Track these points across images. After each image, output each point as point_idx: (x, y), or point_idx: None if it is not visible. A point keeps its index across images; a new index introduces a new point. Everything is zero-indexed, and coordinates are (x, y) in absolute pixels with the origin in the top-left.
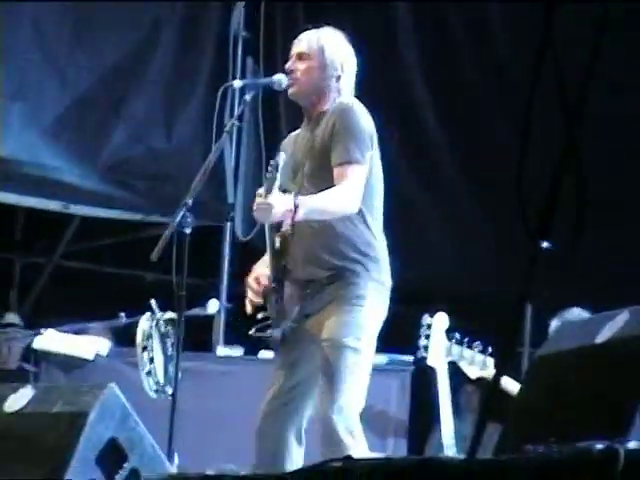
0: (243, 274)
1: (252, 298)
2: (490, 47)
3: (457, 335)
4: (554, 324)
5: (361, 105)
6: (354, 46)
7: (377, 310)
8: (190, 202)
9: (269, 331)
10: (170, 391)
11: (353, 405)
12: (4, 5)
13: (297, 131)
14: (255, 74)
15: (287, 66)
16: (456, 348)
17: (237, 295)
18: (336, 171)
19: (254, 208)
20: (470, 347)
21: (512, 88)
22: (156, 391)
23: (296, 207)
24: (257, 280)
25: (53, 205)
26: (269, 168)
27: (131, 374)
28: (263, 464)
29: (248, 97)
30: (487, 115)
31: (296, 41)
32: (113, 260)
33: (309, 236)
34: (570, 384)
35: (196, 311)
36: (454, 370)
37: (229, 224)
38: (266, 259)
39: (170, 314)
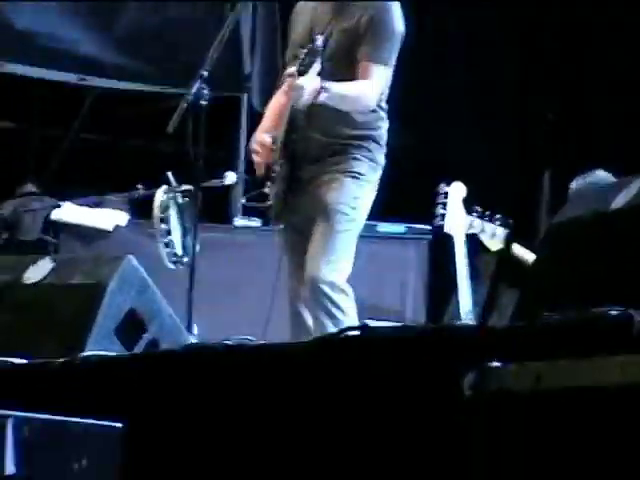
0: None
1: (260, 159)
2: None
3: (478, 208)
4: (574, 185)
5: (398, 5)
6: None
7: (372, 188)
8: (206, 73)
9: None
10: (188, 262)
11: (341, 267)
12: None
13: (311, 2)
14: None
15: None
16: (477, 221)
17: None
18: (363, 65)
19: (288, 89)
20: (491, 220)
21: None
22: (174, 262)
23: (322, 89)
24: (261, 143)
25: (69, 77)
26: (306, 50)
27: (150, 245)
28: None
29: None
30: None
31: None
32: (130, 132)
33: (315, 115)
34: (585, 251)
35: (213, 182)
36: (474, 240)
37: (246, 95)
38: (265, 126)
39: (187, 186)
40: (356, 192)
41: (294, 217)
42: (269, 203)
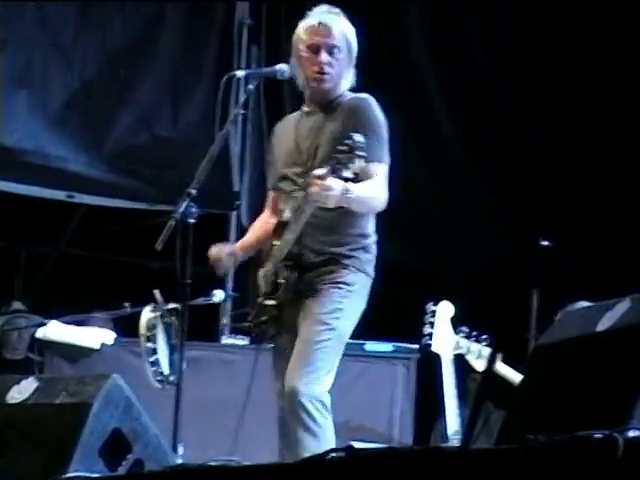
0: (249, 263)
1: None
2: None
3: (464, 328)
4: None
5: (374, 99)
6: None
7: (361, 301)
8: (194, 192)
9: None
10: (174, 381)
11: (322, 380)
12: None
13: (292, 116)
14: (260, 63)
15: (320, 59)
16: (463, 342)
17: (243, 284)
18: (366, 167)
19: (314, 189)
20: (477, 340)
21: (515, 64)
22: (160, 381)
23: (346, 191)
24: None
25: (57, 194)
26: (343, 148)
27: (136, 364)
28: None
29: (252, 86)
30: (494, 95)
31: (320, 29)
32: (118, 248)
33: (317, 221)
34: (571, 373)
35: (201, 300)
36: (461, 360)
37: (235, 212)
38: (245, 238)
39: (174, 304)
40: (340, 302)
41: (286, 334)
42: (261, 319)
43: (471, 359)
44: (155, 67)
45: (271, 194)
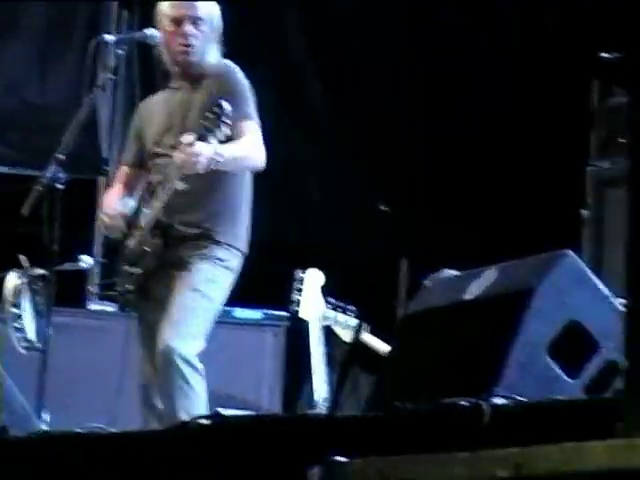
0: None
1: (111, 221)
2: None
3: (332, 300)
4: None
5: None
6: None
7: (232, 274)
8: (61, 157)
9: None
10: (40, 347)
11: (194, 343)
12: None
13: (160, 94)
14: (131, 27)
15: (185, 31)
16: (331, 313)
17: (111, 249)
18: (236, 126)
19: (181, 156)
20: (345, 312)
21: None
22: (26, 347)
23: (217, 155)
24: (110, 200)
25: None
26: (209, 115)
27: (3, 330)
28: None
29: (121, 51)
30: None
31: (183, 2)
32: None
33: (190, 196)
34: (438, 341)
35: (68, 266)
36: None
37: (102, 178)
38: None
39: (40, 269)
40: (213, 274)
41: (151, 302)
42: (126, 288)
43: (338, 330)
44: (22, 32)
45: (125, 169)
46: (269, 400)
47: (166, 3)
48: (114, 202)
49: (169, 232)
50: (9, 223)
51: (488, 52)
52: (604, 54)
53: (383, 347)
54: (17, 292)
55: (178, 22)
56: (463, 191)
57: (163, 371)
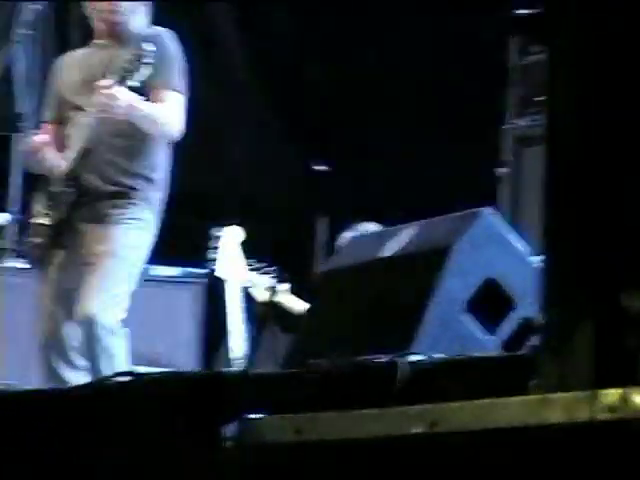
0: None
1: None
2: None
3: (251, 261)
4: (344, 237)
5: (169, 32)
6: None
7: (149, 235)
8: None
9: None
10: None
11: (115, 310)
12: None
13: (81, 50)
14: None
15: None
16: (250, 274)
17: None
18: (155, 92)
19: (99, 98)
20: (265, 273)
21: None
22: None
23: (134, 103)
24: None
25: None
26: (130, 57)
27: None
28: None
29: (39, 6)
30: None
31: None
32: None
33: (107, 148)
34: (356, 299)
35: None
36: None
37: (18, 134)
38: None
39: None
40: (132, 237)
41: (60, 256)
42: (36, 240)
43: (256, 291)
44: None
45: (48, 127)
46: (186, 358)
47: None
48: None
49: (85, 185)
50: None
51: (408, 8)
52: (522, 10)
53: (301, 307)
54: None
55: None
56: (382, 148)
57: (85, 340)
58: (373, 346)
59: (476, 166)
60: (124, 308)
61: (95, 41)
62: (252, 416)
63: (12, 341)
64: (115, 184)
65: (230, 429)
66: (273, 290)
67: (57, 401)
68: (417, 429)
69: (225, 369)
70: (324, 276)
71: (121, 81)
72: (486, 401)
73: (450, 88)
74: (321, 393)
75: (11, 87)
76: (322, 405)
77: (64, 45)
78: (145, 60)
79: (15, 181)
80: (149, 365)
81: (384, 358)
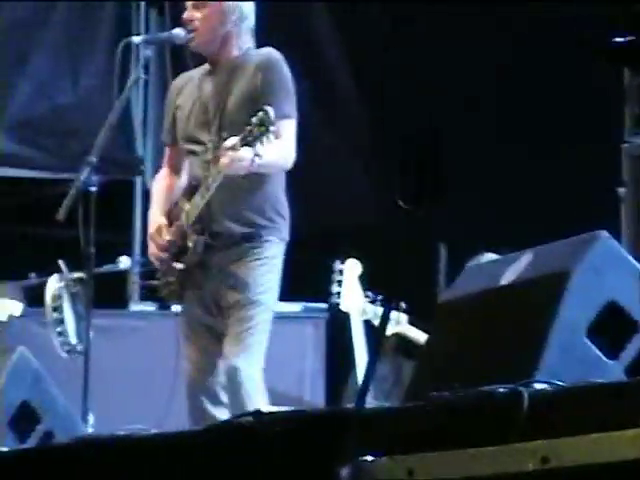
0: None
1: (158, 252)
2: None
3: (370, 294)
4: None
5: (280, 54)
6: None
7: (279, 270)
8: (94, 160)
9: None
10: (82, 350)
11: (257, 357)
12: None
13: (193, 73)
14: (160, 27)
15: (184, 17)
16: (370, 307)
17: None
18: (276, 126)
19: (226, 160)
20: (384, 305)
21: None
22: (68, 351)
23: (256, 156)
24: (160, 231)
25: None
26: (255, 120)
27: (44, 334)
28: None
29: (149, 52)
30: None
31: None
32: (22, 219)
33: (232, 190)
34: (475, 328)
35: (106, 268)
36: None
37: (140, 177)
38: (161, 205)
39: (79, 273)
40: (269, 279)
41: (198, 294)
42: (168, 279)
43: (377, 323)
44: (51, 35)
45: (168, 150)
46: (312, 394)
47: None
48: (157, 224)
49: (212, 228)
50: (48, 228)
51: (520, 31)
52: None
53: (423, 337)
54: (57, 297)
55: (187, 9)
56: (499, 173)
57: (229, 388)
58: (494, 375)
59: (594, 186)
60: (263, 353)
61: (206, 66)
62: (365, 458)
63: (143, 384)
64: (245, 224)
65: (345, 471)
66: (394, 321)
67: (187, 443)
68: (530, 466)
69: (351, 404)
70: (443, 306)
71: (247, 145)
72: (598, 435)
73: (568, 109)
74: (444, 425)
75: (130, 133)
76: (445, 438)
77: None
78: (270, 127)
79: (136, 224)
80: (275, 402)
81: (506, 387)
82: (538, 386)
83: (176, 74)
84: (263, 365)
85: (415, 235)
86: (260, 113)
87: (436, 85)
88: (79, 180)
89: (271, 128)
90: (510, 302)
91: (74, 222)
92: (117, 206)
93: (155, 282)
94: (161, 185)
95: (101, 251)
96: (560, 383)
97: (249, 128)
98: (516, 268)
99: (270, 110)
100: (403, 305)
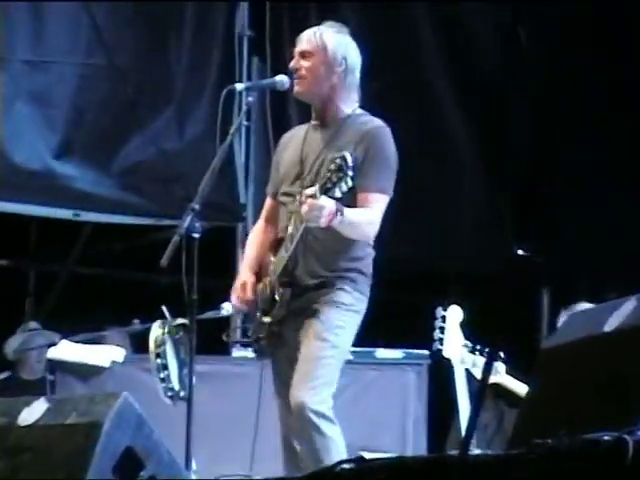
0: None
1: (239, 306)
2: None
3: (468, 342)
4: (563, 317)
5: (388, 129)
6: (362, 36)
7: (357, 317)
8: (197, 206)
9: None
10: (185, 396)
11: (326, 395)
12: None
13: (301, 127)
14: (262, 74)
15: (291, 65)
16: (469, 356)
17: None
18: (364, 195)
19: (305, 208)
20: (482, 354)
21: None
22: (171, 397)
23: (338, 212)
24: (243, 287)
25: (64, 213)
26: (333, 167)
27: (148, 381)
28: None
29: (251, 98)
30: (503, 102)
31: (298, 39)
32: (127, 265)
33: (310, 244)
34: (579, 375)
35: (209, 314)
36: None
37: (241, 224)
38: (250, 260)
39: (182, 319)
40: (340, 320)
41: (284, 350)
42: (257, 336)
43: (477, 372)
44: (161, 84)
45: (268, 201)
46: (415, 441)
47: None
48: (242, 280)
49: (295, 280)
50: (153, 273)
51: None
52: None
53: (521, 387)
54: (160, 343)
55: (294, 57)
56: (599, 217)
57: (297, 424)
58: (599, 424)
59: None
60: (332, 391)
61: (312, 121)
62: None
63: (240, 430)
64: (321, 275)
65: None
66: (496, 371)
67: None
68: None
69: (454, 451)
70: (545, 354)
71: (325, 192)
72: None
73: None
74: (548, 472)
75: (234, 179)
76: None
77: (281, 133)
78: (349, 172)
79: (239, 270)
80: (378, 449)
81: (611, 435)
82: None
83: (277, 121)
84: (331, 404)
85: (524, 282)
86: (338, 160)
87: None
88: (182, 226)
89: (349, 173)
90: (614, 349)
91: (177, 268)
92: (220, 252)
93: (247, 339)
94: (254, 239)
95: (204, 297)
96: None
97: (328, 175)
98: (620, 314)
99: (348, 156)
100: (502, 355)
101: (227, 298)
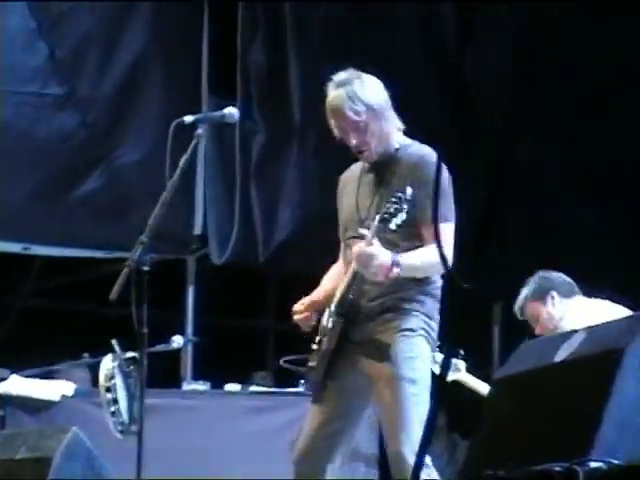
0: (212, 303)
1: (301, 319)
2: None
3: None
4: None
5: (433, 153)
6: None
7: (429, 344)
8: (146, 239)
9: (311, 363)
10: (135, 430)
11: (416, 437)
12: None
13: (357, 166)
14: (213, 106)
15: (352, 146)
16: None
17: (203, 328)
18: (427, 227)
19: (356, 254)
20: (441, 350)
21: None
22: (121, 431)
23: (394, 265)
24: (302, 303)
25: (12, 247)
26: (393, 199)
27: (97, 414)
28: None
29: (201, 131)
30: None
31: (334, 112)
32: (77, 298)
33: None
34: (529, 405)
35: (159, 347)
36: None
37: (192, 256)
38: (320, 289)
39: (132, 353)
40: (412, 350)
41: (339, 382)
42: (311, 364)
43: (437, 369)
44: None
45: (341, 244)
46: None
47: (326, 103)
48: (305, 300)
49: (353, 308)
50: (104, 307)
51: None
52: None
53: (481, 386)
54: (110, 376)
55: (341, 132)
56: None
57: (398, 474)
58: (549, 453)
59: None
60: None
61: (364, 162)
62: None
63: (195, 462)
64: (382, 300)
65: None
66: (454, 368)
67: None
68: None
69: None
70: (497, 383)
71: (383, 221)
72: None
73: None
74: None
75: (189, 210)
76: None
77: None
78: (405, 206)
79: (189, 303)
80: None
81: (562, 466)
82: (593, 464)
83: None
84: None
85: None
86: (399, 193)
87: None
88: (132, 259)
89: (404, 207)
90: (564, 379)
91: (128, 301)
92: (170, 285)
93: (302, 368)
94: (328, 274)
95: (154, 330)
96: (615, 461)
97: (387, 206)
98: (570, 345)
99: (409, 189)
100: (462, 352)
101: (177, 331)
